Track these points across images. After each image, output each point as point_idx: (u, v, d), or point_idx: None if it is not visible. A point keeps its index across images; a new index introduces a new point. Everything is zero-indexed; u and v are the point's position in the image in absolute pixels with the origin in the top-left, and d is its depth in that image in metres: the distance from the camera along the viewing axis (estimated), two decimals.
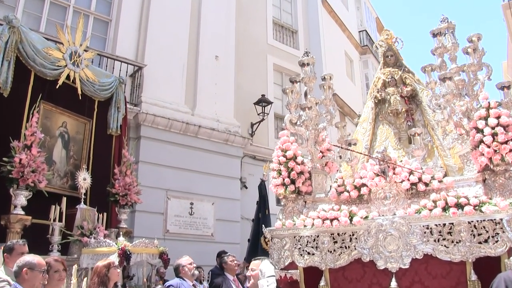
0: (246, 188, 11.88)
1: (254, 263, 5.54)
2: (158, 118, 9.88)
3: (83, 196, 7.02)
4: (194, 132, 10.61)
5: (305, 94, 5.71)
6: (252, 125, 12.69)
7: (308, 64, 5.75)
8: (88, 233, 6.48)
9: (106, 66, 9.45)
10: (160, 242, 6.91)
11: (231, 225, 10.87)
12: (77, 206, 6.81)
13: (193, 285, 6.03)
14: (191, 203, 10.24)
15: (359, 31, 21.00)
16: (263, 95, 12.67)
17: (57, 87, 7.07)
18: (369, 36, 21.06)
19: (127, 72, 9.63)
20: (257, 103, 12.55)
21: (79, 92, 7.41)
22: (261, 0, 14.75)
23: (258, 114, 12.53)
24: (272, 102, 12.85)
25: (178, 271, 6.01)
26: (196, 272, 6.21)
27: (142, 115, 9.65)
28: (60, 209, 6.41)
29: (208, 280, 7.33)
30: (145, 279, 6.69)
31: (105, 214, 7.15)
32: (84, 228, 6.51)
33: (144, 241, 6.41)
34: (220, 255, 7.55)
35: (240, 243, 10.70)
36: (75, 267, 4.21)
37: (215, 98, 11.47)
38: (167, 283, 5.93)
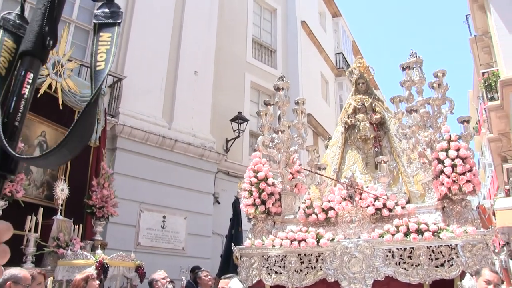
0: (219, 203, 11.99)
1: (223, 281, 5.66)
2: (135, 131, 9.95)
3: (60, 207, 7.01)
4: (170, 146, 10.70)
5: (279, 118, 5.87)
6: (227, 141, 12.85)
7: (282, 89, 5.90)
8: (64, 245, 6.42)
9: (86, 75, 9.48)
10: (127, 255, 6.92)
11: (203, 240, 10.94)
12: (53, 217, 6.75)
13: None
14: (164, 217, 10.29)
15: (336, 54, 21.44)
16: (239, 112, 12.86)
17: (38, 96, 7.08)
18: (345, 58, 21.52)
19: (106, 82, 9.67)
20: (233, 120, 12.72)
21: (60, 102, 7.41)
22: (242, 18, 15.01)
23: (234, 131, 12.70)
24: (248, 120, 13.04)
25: (152, 286, 6.03)
26: (170, 286, 6.27)
27: (119, 126, 9.71)
28: (36, 219, 6.34)
29: None
30: None
31: (80, 225, 7.13)
32: (60, 240, 6.46)
33: (121, 254, 6.43)
34: (194, 270, 7.63)
35: (211, 258, 10.77)
36: (50, 279, 4.25)
37: (193, 113, 11.60)
38: None
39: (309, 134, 11.83)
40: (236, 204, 9.54)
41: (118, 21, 1.11)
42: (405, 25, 63.84)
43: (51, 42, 1.01)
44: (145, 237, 9.83)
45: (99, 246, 7.09)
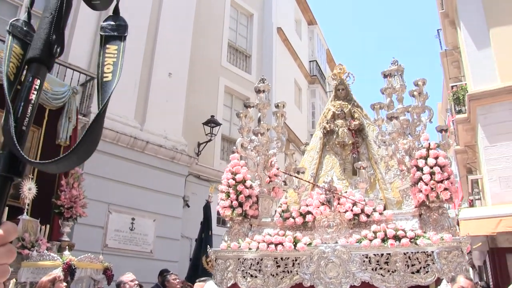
0: (189, 206, 11.89)
1: (198, 285, 5.56)
2: (106, 131, 9.76)
3: (26, 206, 6.80)
4: (142, 147, 10.57)
5: (259, 120, 5.85)
6: (199, 144, 12.77)
7: (263, 91, 5.91)
8: (29, 246, 6.23)
9: (58, 73, 9.29)
10: (95, 257, 6.78)
11: (171, 243, 10.83)
12: (19, 217, 6.53)
13: None
14: (133, 218, 10.13)
15: (310, 61, 21.63)
16: (212, 116, 12.81)
17: None
18: (319, 66, 21.73)
19: (78, 81, 9.49)
20: (206, 123, 12.67)
21: None
22: (218, 22, 14.99)
23: (206, 135, 12.64)
24: (221, 124, 13.00)
25: None
26: None
27: None
28: (1, 219, 6.15)
29: None
30: None
31: (47, 226, 6.94)
32: (25, 240, 6.26)
33: (90, 256, 6.29)
34: (163, 273, 7.53)
35: (179, 262, 10.67)
36: (13, 281, 4.10)
37: (165, 115, 11.49)
38: None
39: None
40: (207, 208, 9.50)
41: (125, 35, 1.14)
42: (379, 36, 65.26)
43: (58, 49, 1.04)
44: (112, 238, 9.67)
45: (66, 247, 6.92)
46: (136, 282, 6.12)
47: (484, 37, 12.79)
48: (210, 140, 12.68)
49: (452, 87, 15.74)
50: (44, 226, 6.80)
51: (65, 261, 5.75)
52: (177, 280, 7.37)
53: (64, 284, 4.83)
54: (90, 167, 9.34)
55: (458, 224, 11.45)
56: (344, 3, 64.79)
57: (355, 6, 65.92)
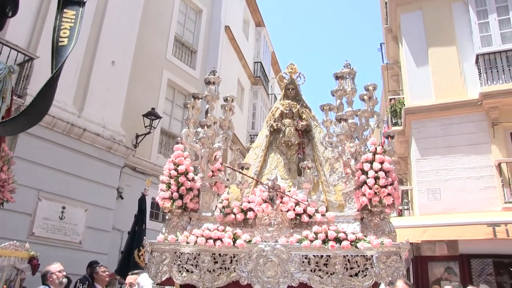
0: (122, 198, 11.63)
1: (131, 277, 5.42)
2: None
3: None
4: (78, 134, 10.19)
5: (206, 112, 5.72)
6: (137, 136, 12.51)
7: (213, 83, 5.75)
8: None
9: None
10: (21, 245, 6.44)
11: (102, 235, 10.52)
12: None
13: None
14: (63, 207, 9.73)
15: (255, 62, 21.77)
16: (153, 109, 12.60)
17: None
18: (263, 68, 21.89)
19: (16, 60, 8.99)
20: (146, 115, 12.44)
21: None
22: (167, 14, 14.76)
23: (145, 127, 12.41)
24: (161, 117, 12.82)
25: (45, 278, 5.71)
26: (65, 280, 5.93)
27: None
28: None
29: None
30: (4, 286, 6.20)
31: None
32: None
33: (15, 243, 5.95)
34: (92, 265, 7.32)
35: (108, 254, 10.39)
36: None
37: (105, 103, 11.16)
38: None
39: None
40: (142, 200, 9.32)
41: (84, 0, 1.06)
42: (324, 43, 66.61)
43: (11, 11, 0.95)
44: (40, 227, 9.24)
45: None
46: (64, 273, 5.92)
47: (423, 55, 13.38)
48: (149, 132, 12.46)
49: (391, 99, 16.34)
50: None
51: None
52: (106, 273, 7.20)
53: None
54: (22, 151, 8.92)
55: None
56: (293, 8, 65.69)
57: (304, 11, 66.99)
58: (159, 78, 13.99)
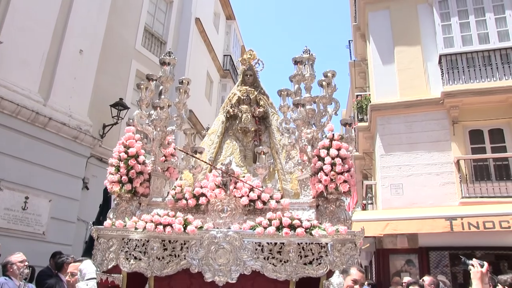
0: (88, 189, 11.51)
1: (73, 265, 5.13)
2: (5, 102, 9.13)
3: None
4: (43, 123, 10.02)
5: (160, 93, 5.52)
6: (104, 126, 12.40)
7: (168, 64, 5.55)
8: None
9: None
10: None
11: (66, 225, 10.40)
12: None
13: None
14: (26, 197, 9.56)
15: (224, 55, 21.77)
16: (121, 99, 12.50)
17: None
18: (232, 61, 21.90)
19: None
20: (114, 105, 12.34)
21: None
22: (137, 4, 14.60)
23: (113, 117, 12.31)
24: (129, 108, 12.71)
25: (5, 269, 5.52)
26: (27, 271, 5.80)
27: None
28: None
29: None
30: None
31: None
32: None
33: None
34: (55, 255, 7.23)
35: (73, 245, 10.29)
36: None
37: (72, 92, 10.99)
38: None
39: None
40: (107, 191, 9.23)
41: None
42: (295, 39, 67.10)
43: None
44: (1, 217, 9.05)
45: None
46: (26, 263, 5.78)
47: (389, 54, 13.67)
48: (116, 123, 12.36)
49: (357, 96, 16.63)
50: None
51: None
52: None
53: None
54: None
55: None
56: (264, 2, 65.74)
57: (275, 5, 67.12)
58: (128, 68, 13.86)
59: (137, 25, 14.46)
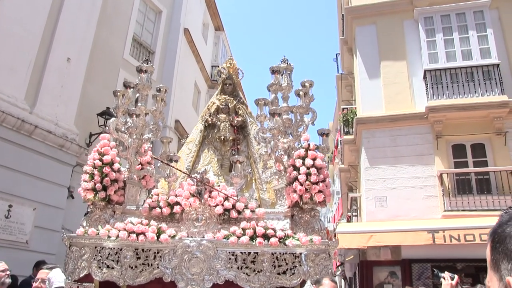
0: (73, 198, 11.46)
1: (43, 272, 5.06)
2: None
3: None
4: (29, 131, 10.00)
5: (136, 101, 5.51)
6: (91, 135, 12.40)
7: (145, 71, 5.56)
8: None
9: None
10: None
11: (50, 234, 10.34)
12: None
13: None
14: (10, 205, 9.51)
15: (212, 66, 21.86)
16: (108, 108, 12.50)
17: None
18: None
19: None
20: (101, 114, 12.35)
21: None
22: (126, 13, 14.67)
23: (100, 126, 12.32)
24: (116, 117, 12.70)
25: None
26: (8, 281, 5.77)
27: None
28: None
29: None
30: None
31: None
32: None
33: None
34: (39, 265, 7.18)
35: (57, 254, 10.23)
36: None
37: (58, 100, 10.99)
38: None
39: (173, 141, 11.88)
40: None
41: None
42: (283, 51, 67.64)
43: None
44: None
45: None
46: (8, 272, 5.75)
47: (375, 68, 13.85)
48: (103, 132, 12.35)
49: (343, 109, 16.80)
50: None
51: None
52: None
53: None
54: None
55: (335, 236, 12.24)
56: (254, 15, 66.22)
57: (264, 18, 67.66)
58: (116, 77, 13.87)
59: (125, 34, 14.52)
